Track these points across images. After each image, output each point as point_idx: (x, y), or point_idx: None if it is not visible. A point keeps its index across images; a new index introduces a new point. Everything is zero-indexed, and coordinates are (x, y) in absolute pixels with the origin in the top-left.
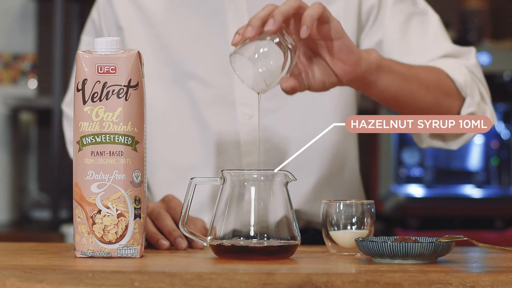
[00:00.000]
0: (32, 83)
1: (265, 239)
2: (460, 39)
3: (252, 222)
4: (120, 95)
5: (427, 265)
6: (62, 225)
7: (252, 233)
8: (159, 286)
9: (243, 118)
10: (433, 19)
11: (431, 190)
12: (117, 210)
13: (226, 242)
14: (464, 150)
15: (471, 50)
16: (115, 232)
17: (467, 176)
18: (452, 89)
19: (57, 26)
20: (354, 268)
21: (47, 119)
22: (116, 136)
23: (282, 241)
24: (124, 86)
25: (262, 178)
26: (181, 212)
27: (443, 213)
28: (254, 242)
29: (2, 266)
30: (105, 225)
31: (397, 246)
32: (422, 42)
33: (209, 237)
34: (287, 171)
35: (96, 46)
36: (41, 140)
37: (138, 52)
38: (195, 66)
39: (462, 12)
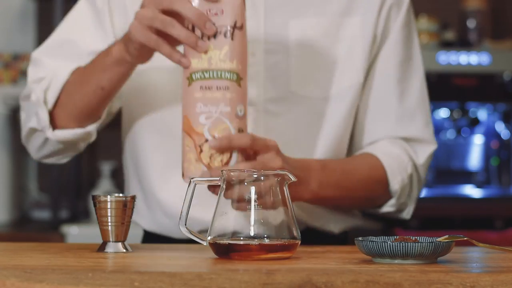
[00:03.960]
0: None
1: (265, 238)
2: (460, 39)
3: (252, 222)
4: (227, 35)
5: (427, 265)
6: (62, 225)
7: (252, 233)
8: (159, 286)
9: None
10: (419, 79)
11: (431, 190)
12: None
13: (226, 242)
14: (464, 150)
15: (431, 144)
16: (221, 160)
17: (467, 176)
18: (384, 192)
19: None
20: (354, 268)
21: None
22: (223, 72)
23: (282, 241)
24: (230, 27)
25: (262, 178)
26: (181, 212)
27: (443, 213)
28: (254, 241)
29: (2, 266)
30: (211, 153)
31: (397, 246)
32: (400, 112)
33: (209, 237)
34: (287, 171)
35: None
36: None
37: None
38: None
39: (462, 12)
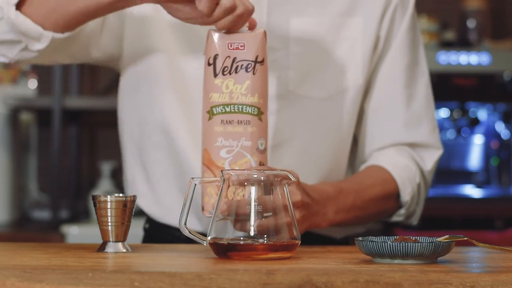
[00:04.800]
0: (32, 83)
1: (265, 238)
2: (460, 39)
3: (252, 222)
4: (248, 70)
5: (427, 265)
6: (62, 225)
7: (252, 233)
8: (159, 286)
9: None
10: (425, 83)
11: (431, 190)
12: None
13: (226, 242)
14: (464, 150)
15: (437, 150)
16: (243, 194)
17: (467, 176)
18: (395, 204)
19: None
20: (354, 268)
21: (47, 119)
22: (244, 106)
23: (282, 241)
24: (252, 61)
25: (262, 178)
26: (181, 212)
27: (443, 213)
28: (254, 241)
29: (2, 266)
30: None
31: (397, 246)
32: (407, 118)
33: (209, 237)
34: (287, 171)
35: None
36: (41, 140)
37: (265, 31)
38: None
39: (462, 12)
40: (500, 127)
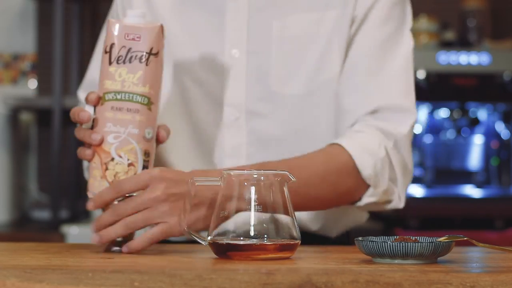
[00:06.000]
0: (32, 83)
1: (265, 238)
2: (460, 39)
3: (252, 222)
4: (142, 60)
5: (427, 265)
6: (62, 225)
7: (252, 233)
8: (159, 286)
9: (229, 119)
10: (402, 56)
11: (431, 190)
12: (128, 160)
13: (226, 242)
14: (464, 150)
15: (412, 112)
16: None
17: (467, 176)
18: (356, 181)
19: (57, 26)
20: (354, 268)
21: (47, 119)
22: (134, 95)
23: (282, 241)
24: (146, 52)
25: (262, 178)
26: (181, 212)
27: (443, 213)
28: (254, 241)
29: (2, 266)
30: (116, 172)
31: (397, 246)
32: (378, 80)
33: (209, 237)
34: (287, 171)
35: (126, 16)
36: (41, 140)
37: (161, 25)
38: (190, 63)
39: (462, 12)
40: (500, 127)
